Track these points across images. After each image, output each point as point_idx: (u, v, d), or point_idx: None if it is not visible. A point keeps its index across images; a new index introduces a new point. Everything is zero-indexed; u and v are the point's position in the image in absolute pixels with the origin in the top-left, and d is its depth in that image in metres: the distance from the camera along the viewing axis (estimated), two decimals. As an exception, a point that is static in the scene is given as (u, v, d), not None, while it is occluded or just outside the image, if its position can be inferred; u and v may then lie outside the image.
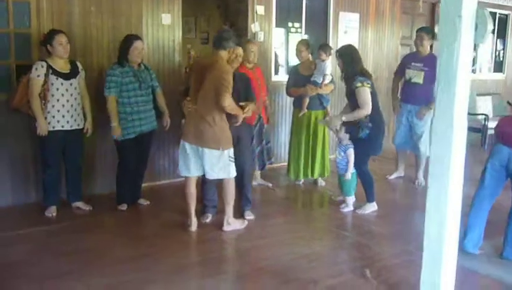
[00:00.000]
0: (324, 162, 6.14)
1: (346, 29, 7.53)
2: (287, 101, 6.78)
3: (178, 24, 5.96)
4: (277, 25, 6.91)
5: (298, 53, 5.91)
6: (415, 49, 6.38)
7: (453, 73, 2.67)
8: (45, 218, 4.88)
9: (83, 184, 5.32)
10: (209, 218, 4.83)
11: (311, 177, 6.14)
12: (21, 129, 5.02)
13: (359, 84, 4.89)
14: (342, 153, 5.22)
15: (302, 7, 7.10)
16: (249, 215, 4.93)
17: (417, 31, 6.19)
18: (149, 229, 4.69)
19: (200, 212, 4.80)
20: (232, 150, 4.42)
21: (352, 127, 5.06)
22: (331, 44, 7.22)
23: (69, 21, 5.22)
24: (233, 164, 4.42)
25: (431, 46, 6.23)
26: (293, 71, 6.02)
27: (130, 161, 5.12)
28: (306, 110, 5.82)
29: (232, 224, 4.59)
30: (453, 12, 2.64)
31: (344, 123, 5.07)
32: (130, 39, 4.95)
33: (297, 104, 5.92)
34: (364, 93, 4.87)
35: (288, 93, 6.05)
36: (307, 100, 5.77)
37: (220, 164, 4.36)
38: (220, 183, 4.60)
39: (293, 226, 4.89)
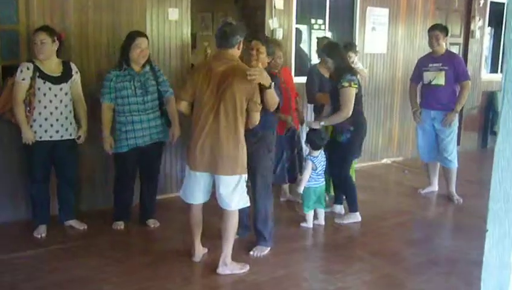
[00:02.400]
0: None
1: (374, 26, 6.85)
2: (308, 108, 6.08)
3: (187, 20, 5.34)
4: (298, 21, 6.26)
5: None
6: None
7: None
8: (33, 239, 4.31)
9: (79, 199, 4.81)
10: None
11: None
12: (7, 138, 4.47)
13: (346, 84, 4.44)
14: (304, 164, 4.80)
15: (325, 1, 6.43)
16: (259, 252, 4.10)
17: (430, 30, 5.50)
18: (148, 256, 4.05)
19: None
20: (246, 176, 3.69)
21: (314, 134, 4.60)
22: (357, 42, 6.59)
23: (62, 17, 4.63)
24: (246, 192, 3.72)
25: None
26: (315, 72, 5.26)
27: (124, 176, 4.54)
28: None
29: (230, 266, 3.73)
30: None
31: (313, 130, 4.63)
32: (131, 36, 4.35)
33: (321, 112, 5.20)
34: (349, 95, 4.46)
35: (313, 100, 5.31)
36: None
37: (238, 191, 3.62)
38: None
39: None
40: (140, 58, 4.34)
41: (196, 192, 3.73)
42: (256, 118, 3.60)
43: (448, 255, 4.21)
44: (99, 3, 4.78)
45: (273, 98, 3.61)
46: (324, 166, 4.72)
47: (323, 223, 4.74)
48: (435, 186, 5.89)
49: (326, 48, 4.75)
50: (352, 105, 4.46)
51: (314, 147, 4.61)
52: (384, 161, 7.35)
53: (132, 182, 4.61)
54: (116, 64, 4.40)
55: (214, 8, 9.93)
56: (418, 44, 7.33)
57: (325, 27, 6.52)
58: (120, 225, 4.60)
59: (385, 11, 6.92)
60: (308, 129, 4.71)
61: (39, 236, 4.36)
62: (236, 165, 3.56)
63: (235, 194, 3.61)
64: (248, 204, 3.76)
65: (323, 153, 4.69)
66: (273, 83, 3.53)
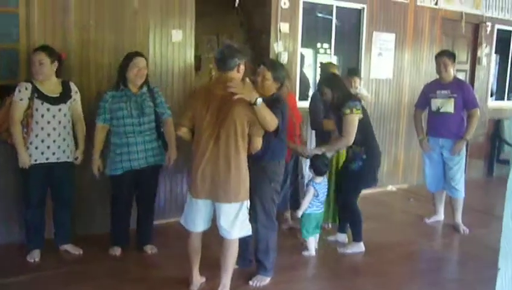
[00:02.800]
0: None
1: (380, 51, 6.76)
2: (311, 134, 5.94)
3: (190, 41, 5.26)
4: (303, 45, 6.18)
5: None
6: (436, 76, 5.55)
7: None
8: (26, 264, 4.17)
9: (76, 222, 4.66)
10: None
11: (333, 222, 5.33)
12: (3, 159, 4.36)
13: (348, 111, 4.32)
14: (305, 188, 4.68)
15: (331, 26, 6.37)
16: (259, 281, 3.92)
17: (438, 56, 5.38)
18: (143, 284, 3.89)
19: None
20: (248, 202, 3.57)
21: (318, 160, 4.51)
22: (363, 67, 6.52)
23: (63, 36, 4.56)
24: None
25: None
26: (318, 98, 5.08)
27: (120, 200, 4.40)
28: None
29: None
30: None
31: (316, 156, 4.51)
32: (129, 56, 4.26)
33: (325, 138, 5.03)
34: (352, 122, 4.33)
35: (318, 126, 5.19)
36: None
37: (240, 219, 3.49)
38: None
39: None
40: (137, 78, 4.23)
41: (198, 220, 3.59)
42: (258, 143, 3.48)
43: (455, 289, 4.05)
44: (102, 22, 4.70)
45: (263, 116, 3.39)
46: (326, 193, 4.61)
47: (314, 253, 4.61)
48: (441, 216, 5.73)
49: (326, 79, 4.67)
50: (355, 132, 4.33)
51: (318, 173, 4.49)
52: (390, 188, 7.20)
53: (128, 206, 4.47)
54: (113, 85, 4.30)
55: (219, 30, 9.90)
56: (424, 69, 7.23)
57: (330, 51, 6.44)
58: (117, 251, 4.46)
59: (391, 36, 6.84)
60: (312, 155, 4.58)
61: (32, 261, 4.22)
62: (238, 192, 3.43)
63: (236, 222, 3.48)
64: (250, 233, 3.62)
65: (326, 180, 4.57)
66: (260, 99, 3.35)
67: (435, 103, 5.34)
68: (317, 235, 4.68)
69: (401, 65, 7.07)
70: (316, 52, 6.57)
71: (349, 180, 4.54)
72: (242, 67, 3.50)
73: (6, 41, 4.41)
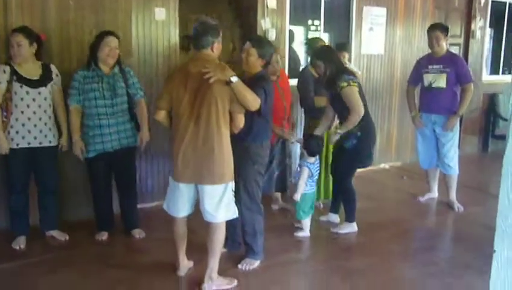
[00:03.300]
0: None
1: (371, 26, 6.61)
2: (301, 114, 5.78)
3: (174, 20, 5.11)
4: (292, 22, 6.02)
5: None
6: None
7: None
8: (11, 251, 4.09)
9: (63, 208, 4.61)
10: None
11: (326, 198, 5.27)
12: None
13: (344, 84, 4.17)
14: (298, 169, 4.53)
15: (320, 1, 6.19)
16: (248, 265, 3.85)
17: (430, 30, 5.20)
18: (129, 270, 3.79)
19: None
20: (233, 183, 3.44)
21: (311, 140, 4.43)
22: (354, 43, 6.38)
23: (42, 17, 4.41)
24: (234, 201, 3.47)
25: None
26: (309, 74, 4.96)
27: (98, 184, 4.32)
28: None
29: (216, 282, 3.47)
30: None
31: (310, 136, 4.49)
32: (101, 34, 4.13)
33: (316, 115, 4.86)
34: (352, 93, 4.18)
35: (309, 104, 4.99)
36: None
37: (225, 202, 3.37)
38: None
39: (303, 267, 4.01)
40: (109, 58, 4.10)
41: (180, 204, 3.47)
42: (240, 120, 3.34)
43: (449, 267, 3.97)
44: (82, 2, 4.55)
45: (243, 95, 3.26)
46: (318, 172, 4.51)
47: (308, 233, 4.53)
48: (435, 193, 5.65)
49: (319, 51, 4.51)
50: (360, 102, 4.19)
51: (311, 153, 4.39)
52: (382, 165, 7.10)
53: (107, 190, 4.39)
54: (83, 65, 4.17)
55: (208, 9, 9.72)
56: (416, 45, 7.08)
57: (320, 28, 6.28)
58: (103, 236, 4.38)
59: (383, 11, 6.68)
60: (299, 141, 4.48)
61: (18, 247, 4.15)
62: (222, 173, 3.31)
63: (221, 205, 3.36)
64: (236, 215, 3.51)
65: (318, 159, 4.47)
66: (234, 77, 3.21)
67: (427, 78, 5.21)
68: (311, 216, 4.59)
69: (393, 40, 6.93)
70: (307, 29, 6.40)
71: (344, 159, 4.40)
72: (217, 45, 3.35)
73: (-18, 23, 4.25)
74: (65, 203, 4.70)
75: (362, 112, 4.19)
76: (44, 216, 4.35)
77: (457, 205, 5.30)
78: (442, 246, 4.50)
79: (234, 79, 3.22)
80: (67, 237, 4.35)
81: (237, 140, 3.50)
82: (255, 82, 3.51)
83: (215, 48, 3.34)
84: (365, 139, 4.33)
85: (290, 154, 4.99)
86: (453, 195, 5.38)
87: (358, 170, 5.96)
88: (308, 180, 4.41)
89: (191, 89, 3.25)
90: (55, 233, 4.36)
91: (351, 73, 4.38)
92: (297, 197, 4.41)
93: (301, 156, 4.66)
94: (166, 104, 3.41)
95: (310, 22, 6.39)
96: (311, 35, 6.27)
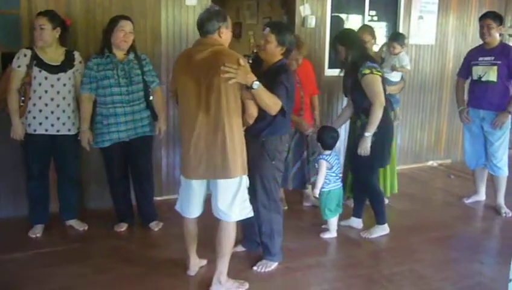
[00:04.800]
0: (393, 176, 5.01)
1: (421, 14, 6.16)
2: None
3: (206, 5, 4.87)
4: (334, 9, 5.67)
5: None
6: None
7: None
8: (27, 239, 4.03)
9: (87, 197, 4.61)
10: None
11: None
12: (9, 130, 4.04)
13: (367, 71, 3.83)
14: (316, 165, 4.22)
15: (366, -13, 5.81)
16: (264, 267, 3.61)
17: (481, 18, 4.79)
18: (140, 266, 3.62)
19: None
20: (247, 179, 3.19)
21: (325, 132, 4.15)
22: (402, 31, 5.96)
23: (67, 1, 4.30)
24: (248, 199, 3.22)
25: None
26: None
27: (113, 174, 4.19)
28: None
29: (225, 285, 3.25)
30: None
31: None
32: (115, 19, 3.96)
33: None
34: (375, 81, 3.86)
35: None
36: None
37: (239, 199, 3.12)
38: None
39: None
40: (123, 43, 3.92)
41: (194, 205, 3.27)
42: (253, 108, 3.07)
43: (490, 283, 3.57)
44: (109, -14, 4.42)
45: (263, 100, 3.07)
46: (339, 165, 4.22)
47: (335, 234, 4.25)
48: (482, 195, 5.21)
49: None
50: (382, 92, 3.88)
51: (325, 146, 4.11)
52: (430, 163, 6.67)
53: (124, 181, 4.26)
54: (97, 51, 4.01)
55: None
56: (471, 35, 6.55)
57: (364, 15, 5.90)
58: (122, 227, 4.28)
59: (434, -3, 6.22)
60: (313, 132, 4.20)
61: (34, 236, 4.09)
62: (235, 165, 3.05)
63: (235, 202, 3.12)
64: (251, 214, 3.27)
65: (336, 152, 4.17)
66: (257, 83, 2.98)
67: (476, 71, 4.78)
68: (338, 215, 4.29)
69: (445, 30, 6.44)
70: (363, 18, 5.97)
71: (362, 158, 4.01)
72: (224, 30, 3.08)
73: (8, 6, 4.18)
74: (88, 191, 4.64)
75: (383, 102, 3.86)
76: (63, 205, 4.26)
77: (505, 210, 4.86)
78: (483, 257, 4.05)
79: (256, 85, 2.99)
80: (86, 227, 4.26)
81: (253, 134, 3.29)
82: (274, 75, 3.28)
83: (223, 34, 3.09)
84: (383, 135, 3.98)
85: (314, 147, 4.63)
86: (501, 199, 4.94)
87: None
88: (329, 174, 4.13)
89: (197, 76, 3.02)
90: (74, 223, 4.28)
91: (375, 61, 4.04)
92: (316, 192, 4.15)
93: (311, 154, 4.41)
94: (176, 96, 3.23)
95: (366, 10, 5.97)
96: (355, 22, 5.89)
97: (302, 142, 4.56)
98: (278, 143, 3.43)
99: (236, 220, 3.20)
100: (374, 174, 4.19)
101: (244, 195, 3.16)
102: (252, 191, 3.33)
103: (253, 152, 3.25)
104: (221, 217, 3.18)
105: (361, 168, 4.12)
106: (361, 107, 4.00)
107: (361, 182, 4.25)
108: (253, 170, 3.30)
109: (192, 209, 3.30)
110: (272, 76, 3.25)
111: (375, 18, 6.02)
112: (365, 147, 3.91)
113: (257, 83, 2.98)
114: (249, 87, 2.99)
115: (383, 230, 4.27)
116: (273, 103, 3.13)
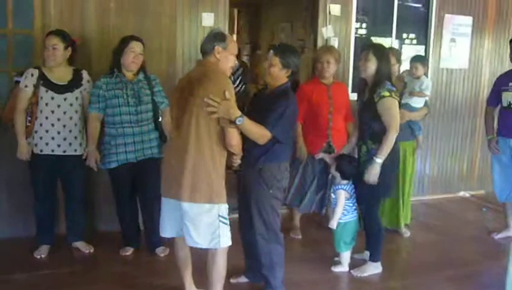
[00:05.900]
0: (407, 206, 4.85)
1: (453, 37, 5.90)
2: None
3: (224, 26, 4.78)
4: (360, 31, 5.51)
5: None
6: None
7: None
8: (31, 260, 3.99)
9: (96, 219, 4.55)
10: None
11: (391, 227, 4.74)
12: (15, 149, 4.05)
13: (387, 94, 3.59)
14: (333, 195, 3.97)
15: (393, 6, 5.60)
16: None
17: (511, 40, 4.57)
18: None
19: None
20: (225, 208, 3.01)
21: (345, 161, 3.91)
22: (431, 55, 5.76)
23: (82, 21, 4.33)
24: (226, 229, 3.01)
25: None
26: None
27: (120, 196, 4.10)
28: None
29: None
30: None
31: (342, 157, 3.97)
32: (125, 39, 3.91)
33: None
34: (393, 106, 3.63)
35: None
36: None
37: (205, 225, 2.94)
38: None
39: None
40: (132, 64, 3.88)
41: (165, 222, 3.14)
42: (233, 136, 2.92)
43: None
44: (123, 5, 4.41)
45: (248, 131, 3.00)
46: (354, 195, 3.99)
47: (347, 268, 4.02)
48: (513, 231, 4.87)
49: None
50: (398, 119, 3.65)
51: (345, 176, 3.89)
52: (462, 194, 6.32)
53: (132, 204, 4.17)
54: (106, 71, 3.96)
55: (293, 17, 9.51)
56: (508, 59, 6.23)
57: (391, 37, 5.69)
58: (127, 251, 4.19)
59: (468, 20, 5.94)
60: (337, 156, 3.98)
61: (39, 256, 4.04)
62: (200, 191, 2.90)
63: (200, 229, 2.94)
64: (228, 243, 3.04)
65: (350, 182, 3.96)
66: (241, 119, 2.88)
67: (506, 97, 4.52)
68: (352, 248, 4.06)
69: (480, 53, 6.15)
70: (401, 41, 5.78)
71: (366, 186, 3.74)
72: (219, 51, 2.99)
73: (21, 27, 4.23)
74: (98, 213, 4.58)
75: (398, 128, 3.63)
76: (70, 226, 4.21)
77: (537, 248, 4.50)
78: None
79: (239, 121, 2.89)
80: (92, 250, 4.19)
81: (250, 161, 3.15)
82: (273, 99, 3.19)
83: (218, 54, 3.00)
84: (389, 163, 3.70)
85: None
86: (532, 235, 4.59)
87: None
88: (347, 204, 3.92)
89: (180, 94, 2.99)
90: (80, 244, 4.22)
91: (394, 85, 3.81)
92: (334, 224, 3.93)
93: (332, 181, 4.15)
94: None
95: (404, 34, 5.77)
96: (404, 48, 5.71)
97: (326, 170, 4.35)
98: (276, 171, 3.25)
99: (220, 248, 3.02)
100: (377, 205, 3.92)
101: (213, 223, 2.96)
102: (250, 221, 3.18)
103: (249, 180, 3.13)
104: (190, 243, 3.03)
105: (364, 197, 3.87)
106: (368, 131, 3.75)
107: (363, 212, 3.99)
108: (250, 200, 3.17)
109: (164, 227, 3.17)
110: (271, 100, 3.17)
111: (407, 41, 5.80)
112: (374, 174, 3.64)
113: (240, 119, 2.89)
114: (231, 122, 2.88)
115: (376, 268, 3.97)
116: (260, 135, 3.06)
